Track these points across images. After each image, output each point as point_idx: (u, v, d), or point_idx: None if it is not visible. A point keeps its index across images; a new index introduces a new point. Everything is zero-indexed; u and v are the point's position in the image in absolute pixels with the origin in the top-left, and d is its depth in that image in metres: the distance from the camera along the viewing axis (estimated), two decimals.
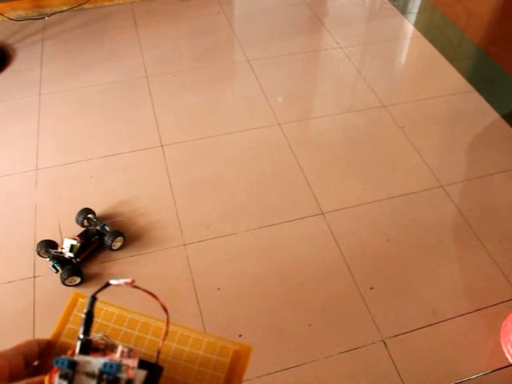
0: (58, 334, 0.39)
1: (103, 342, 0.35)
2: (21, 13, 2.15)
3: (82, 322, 0.34)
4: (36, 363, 0.37)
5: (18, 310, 1.16)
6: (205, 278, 1.21)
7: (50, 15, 2.16)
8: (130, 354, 0.33)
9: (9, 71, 1.88)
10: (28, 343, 0.36)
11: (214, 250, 1.27)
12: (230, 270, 1.23)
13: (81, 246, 1.21)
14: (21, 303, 1.17)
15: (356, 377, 1.04)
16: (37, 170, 1.49)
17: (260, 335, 1.11)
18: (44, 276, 1.22)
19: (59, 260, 1.20)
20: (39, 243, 1.22)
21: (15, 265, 1.25)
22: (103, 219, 1.32)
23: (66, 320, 0.40)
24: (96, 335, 0.35)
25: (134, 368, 0.32)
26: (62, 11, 2.17)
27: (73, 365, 0.30)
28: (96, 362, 0.31)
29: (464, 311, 1.15)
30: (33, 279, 1.21)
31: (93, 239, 1.24)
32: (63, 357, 0.31)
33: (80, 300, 0.41)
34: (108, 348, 0.33)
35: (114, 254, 1.26)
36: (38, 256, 1.23)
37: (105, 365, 0.30)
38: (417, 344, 1.09)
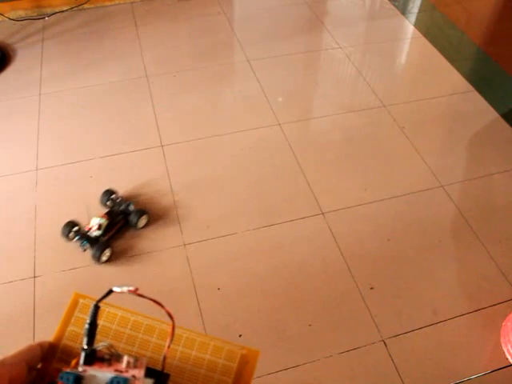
0: (60, 337, 0.38)
1: (108, 351, 0.34)
2: (21, 13, 2.14)
3: (86, 332, 0.33)
4: (39, 366, 0.36)
5: (18, 310, 1.15)
6: (205, 278, 1.21)
7: (50, 15, 2.16)
8: (136, 364, 0.32)
9: (9, 71, 1.87)
10: (30, 348, 0.35)
11: (214, 250, 1.27)
12: (229, 270, 1.23)
13: (107, 225, 1.25)
14: (21, 303, 1.17)
15: (356, 377, 1.04)
16: (37, 170, 1.48)
17: (260, 335, 1.11)
18: (44, 276, 1.22)
19: (87, 238, 1.23)
20: (64, 226, 1.25)
21: (15, 265, 1.24)
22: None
23: (67, 322, 0.39)
24: (100, 344, 0.34)
25: (140, 378, 0.32)
26: (62, 11, 2.17)
27: (78, 380, 0.30)
28: (102, 377, 0.30)
29: (464, 311, 1.15)
30: (33, 279, 1.21)
31: (118, 218, 1.29)
32: (68, 371, 0.30)
33: (81, 301, 0.40)
34: (113, 358, 0.33)
35: (139, 232, 1.31)
36: (65, 238, 1.26)
37: (112, 380, 0.30)
38: (417, 344, 1.09)
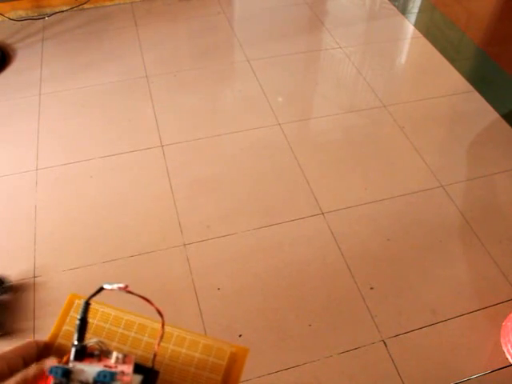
0: (55, 336, 0.39)
1: (98, 347, 0.34)
2: (21, 13, 2.14)
3: (76, 328, 0.34)
4: (34, 364, 0.37)
5: (18, 310, 1.15)
6: (205, 278, 1.21)
7: (50, 15, 2.16)
8: (124, 359, 0.33)
9: (9, 71, 1.87)
10: (27, 345, 0.36)
11: (214, 250, 1.27)
12: (230, 270, 1.23)
13: None
14: (21, 303, 1.17)
15: (356, 377, 1.04)
16: (37, 170, 1.49)
17: (260, 335, 1.11)
18: (44, 276, 1.22)
19: None
20: None
21: (15, 265, 1.24)
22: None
23: (62, 321, 0.40)
24: (91, 340, 0.35)
25: (128, 374, 0.32)
26: (62, 11, 2.17)
27: (67, 374, 0.30)
28: (90, 371, 0.31)
29: (464, 311, 1.15)
30: (33, 279, 1.21)
31: None
32: (57, 365, 0.31)
33: (77, 301, 0.41)
34: (103, 353, 0.33)
35: None
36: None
37: (99, 374, 0.30)
38: (417, 344, 1.09)
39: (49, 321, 1.12)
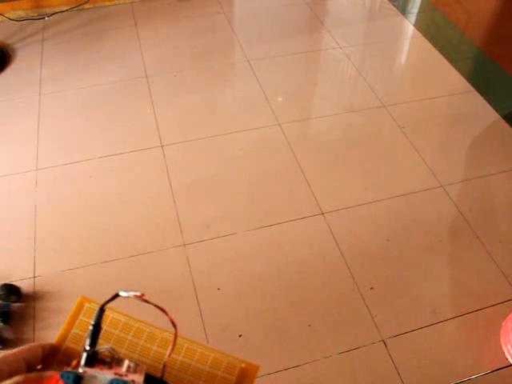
0: (63, 339, 0.38)
1: (109, 354, 0.34)
2: (21, 13, 2.14)
3: (89, 333, 0.33)
4: (39, 367, 0.36)
5: (18, 311, 1.15)
6: (205, 278, 1.21)
7: (50, 15, 2.16)
8: (136, 369, 0.33)
9: (9, 71, 1.87)
10: (31, 347, 0.35)
11: (214, 250, 1.27)
12: (230, 270, 1.23)
13: None
14: (21, 304, 1.17)
15: (356, 377, 1.04)
16: (37, 170, 1.49)
17: (260, 335, 1.11)
18: (44, 276, 1.22)
19: None
20: None
21: (15, 265, 1.24)
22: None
23: (71, 324, 0.39)
24: (102, 347, 0.34)
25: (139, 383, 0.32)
26: (62, 11, 2.17)
27: (78, 379, 0.30)
28: (102, 378, 0.31)
29: (464, 311, 1.15)
30: (33, 279, 1.21)
31: None
32: (69, 370, 0.30)
33: (86, 305, 0.40)
34: (114, 361, 0.33)
35: None
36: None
37: (111, 382, 0.30)
38: (417, 344, 1.09)
39: (49, 321, 1.12)
